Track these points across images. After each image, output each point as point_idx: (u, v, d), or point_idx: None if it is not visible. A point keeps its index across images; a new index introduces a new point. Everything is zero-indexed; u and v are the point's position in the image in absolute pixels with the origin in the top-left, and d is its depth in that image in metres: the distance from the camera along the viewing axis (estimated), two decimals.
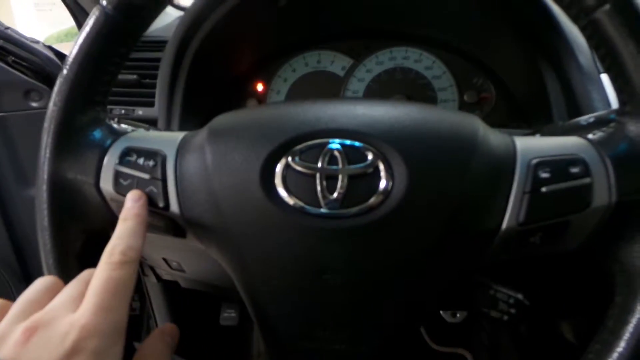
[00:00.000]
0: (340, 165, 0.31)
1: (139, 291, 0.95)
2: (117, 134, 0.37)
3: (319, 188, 0.31)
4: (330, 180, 0.31)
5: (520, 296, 0.37)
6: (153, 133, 0.38)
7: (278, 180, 0.32)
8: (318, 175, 0.31)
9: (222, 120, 0.36)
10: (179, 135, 0.36)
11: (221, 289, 0.67)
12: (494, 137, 0.33)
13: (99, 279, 0.29)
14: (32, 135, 0.79)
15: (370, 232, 0.31)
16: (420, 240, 0.31)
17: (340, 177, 0.31)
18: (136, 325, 0.99)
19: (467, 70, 0.66)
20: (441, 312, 0.99)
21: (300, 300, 0.32)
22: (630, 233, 0.31)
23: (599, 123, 0.36)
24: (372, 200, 0.31)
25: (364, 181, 0.31)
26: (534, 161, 0.32)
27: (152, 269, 0.80)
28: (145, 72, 0.66)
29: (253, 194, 0.32)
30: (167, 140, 0.36)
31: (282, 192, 0.32)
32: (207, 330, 0.93)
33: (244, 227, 0.32)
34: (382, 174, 0.31)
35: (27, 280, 0.78)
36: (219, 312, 0.85)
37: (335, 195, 0.31)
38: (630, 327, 0.30)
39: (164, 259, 0.60)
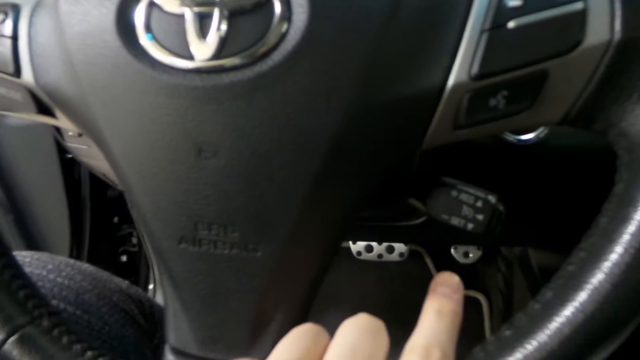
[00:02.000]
0: None
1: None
2: None
3: (189, 31, 0.23)
4: (206, 20, 0.22)
5: (492, 198, 0.28)
6: None
7: (139, 25, 0.23)
8: (188, 13, 0.23)
9: None
10: None
11: None
12: None
13: None
14: None
15: (257, 90, 0.22)
16: (330, 103, 0.22)
17: (217, 14, 0.22)
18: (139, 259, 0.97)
19: None
20: (452, 252, 0.89)
21: (176, 189, 0.24)
22: None
23: None
24: (261, 45, 0.22)
25: (250, 20, 0.22)
26: None
27: None
28: None
29: (108, 44, 0.24)
30: None
31: (145, 40, 0.23)
32: None
33: (102, 91, 0.24)
34: (276, 8, 0.22)
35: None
36: None
37: (210, 40, 0.22)
38: (631, 225, 0.20)
39: (105, 175, 0.53)
